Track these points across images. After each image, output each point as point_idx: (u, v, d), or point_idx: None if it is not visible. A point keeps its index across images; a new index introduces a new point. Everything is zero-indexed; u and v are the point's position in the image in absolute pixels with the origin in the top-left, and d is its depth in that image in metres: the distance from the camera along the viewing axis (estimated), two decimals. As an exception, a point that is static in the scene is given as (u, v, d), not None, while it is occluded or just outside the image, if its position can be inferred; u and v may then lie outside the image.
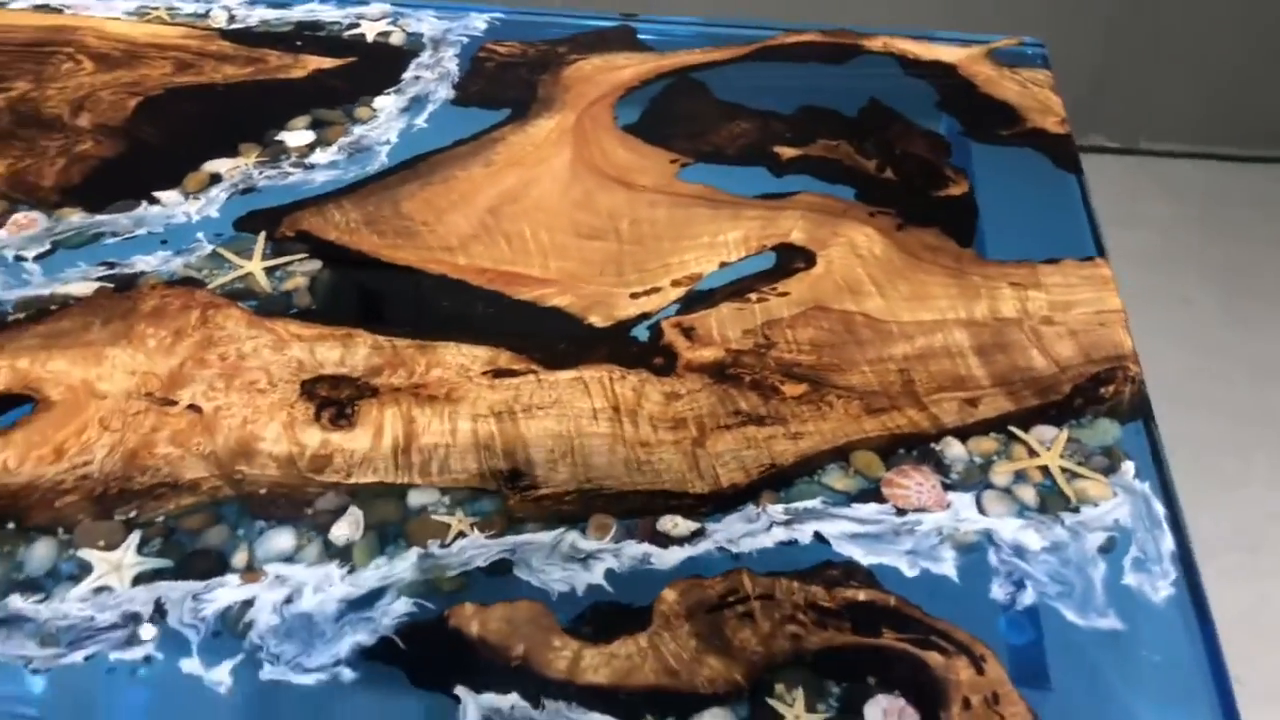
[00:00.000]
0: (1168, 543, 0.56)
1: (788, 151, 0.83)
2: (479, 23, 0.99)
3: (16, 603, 0.53)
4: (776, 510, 0.57)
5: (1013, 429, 0.62)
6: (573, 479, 0.58)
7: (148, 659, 0.51)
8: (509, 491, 0.58)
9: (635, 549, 0.55)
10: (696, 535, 0.56)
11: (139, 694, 0.50)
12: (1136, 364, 0.66)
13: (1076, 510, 0.58)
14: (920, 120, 0.87)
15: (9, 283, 0.71)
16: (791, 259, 0.73)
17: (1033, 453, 0.61)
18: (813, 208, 0.77)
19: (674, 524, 0.56)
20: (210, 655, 0.51)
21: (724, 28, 0.99)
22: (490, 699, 0.49)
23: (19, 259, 0.73)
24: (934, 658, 0.51)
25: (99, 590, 0.53)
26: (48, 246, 0.74)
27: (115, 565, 0.55)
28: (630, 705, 0.49)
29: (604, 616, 0.52)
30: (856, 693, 0.49)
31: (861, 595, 0.53)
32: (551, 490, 0.58)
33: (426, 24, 0.99)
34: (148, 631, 0.51)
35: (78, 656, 0.51)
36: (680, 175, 0.81)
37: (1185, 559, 0.55)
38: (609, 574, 0.54)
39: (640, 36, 0.98)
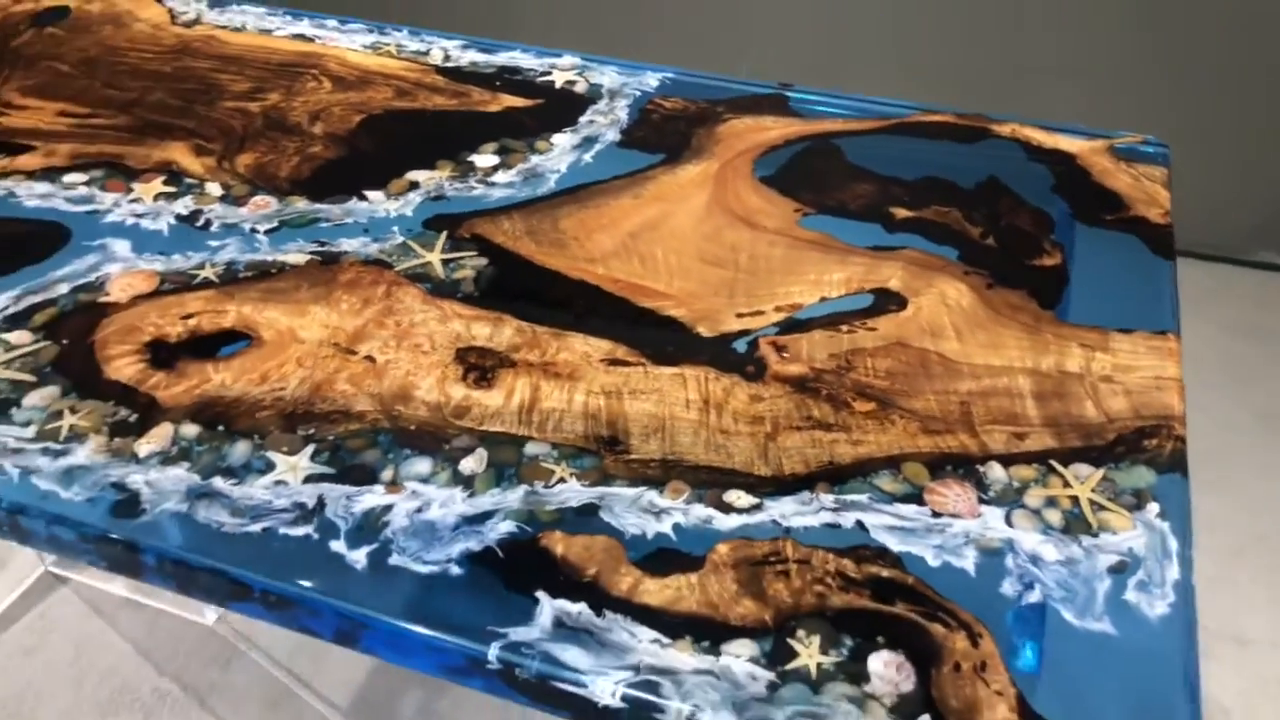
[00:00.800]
0: (1174, 572, 0.62)
1: (902, 212, 0.93)
2: (652, 80, 1.13)
3: (218, 483, 0.68)
4: (828, 499, 0.67)
5: (1053, 463, 0.69)
6: (659, 451, 0.70)
7: (307, 537, 0.65)
8: (606, 453, 0.70)
9: (701, 511, 0.66)
10: (754, 508, 0.66)
11: (296, 559, 0.64)
12: (1182, 426, 0.72)
13: (1096, 535, 0.65)
14: (1032, 199, 0.95)
15: (243, 248, 0.88)
16: (886, 302, 0.83)
17: (1067, 484, 0.68)
18: (914, 261, 0.87)
19: (737, 497, 0.67)
20: (353, 541, 0.64)
21: (869, 103, 1.10)
22: (563, 604, 0.60)
23: (253, 231, 0.90)
24: (936, 628, 0.59)
25: (278, 483, 0.68)
26: (276, 224, 0.91)
27: (292, 466, 0.69)
28: (673, 626, 0.59)
29: (665, 557, 0.63)
30: (865, 646, 0.58)
31: (885, 573, 0.62)
32: (640, 457, 0.69)
33: (608, 77, 1.14)
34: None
35: (256, 527, 0.65)
36: (802, 223, 0.92)
37: (1186, 587, 0.62)
38: (675, 526, 0.65)
39: (791, 104, 1.10)
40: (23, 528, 0.68)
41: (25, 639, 1.40)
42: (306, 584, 0.62)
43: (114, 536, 0.65)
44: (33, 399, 0.74)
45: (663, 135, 1.04)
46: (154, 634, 1.39)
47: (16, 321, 0.80)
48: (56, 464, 0.69)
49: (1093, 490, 0.68)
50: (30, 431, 0.71)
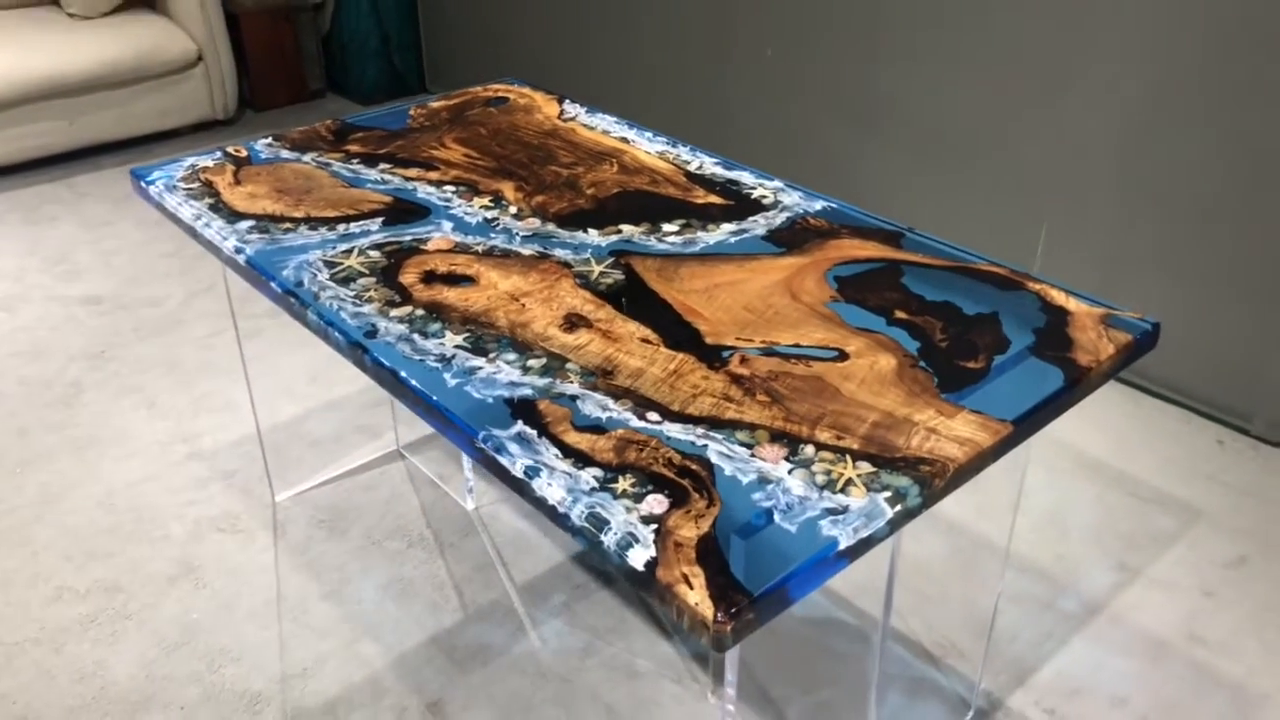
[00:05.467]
0: (864, 529, 1.00)
1: (902, 315, 1.32)
2: (818, 205, 1.61)
3: (415, 336, 1.28)
4: (699, 431, 1.12)
5: (848, 456, 1.08)
6: (629, 384, 1.19)
7: (436, 369, 1.22)
8: (601, 377, 1.20)
9: (628, 416, 1.14)
10: (657, 423, 1.13)
11: (428, 377, 1.21)
12: (953, 467, 1.07)
13: (835, 493, 1.03)
14: (1009, 330, 1.29)
15: (505, 242, 1.50)
16: (838, 357, 1.24)
17: (845, 467, 1.07)
18: (877, 341, 1.27)
19: (653, 415, 1.14)
20: (454, 376, 1.21)
21: (959, 250, 1.48)
22: (526, 428, 1.12)
23: (515, 234, 1.52)
24: (695, 495, 1.03)
25: (440, 344, 1.27)
26: (531, 234, 1.53)
27: (451, 340, 1.28)
28: (569, 452, 1.08)
29: (591, 428, 1.12)
30: (654, 491, 1.03)
31: (693, 466, 1.07)
32: (617, 384, 1.19)
33: (791, 197, 1.63)
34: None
35: (418, 358, 1.24)
36: (828, 304, 1.35)
37: (862, 539, 0.98)
38: (609, 418, 1.14)
39: (903, 240, 1.51)
40: (331, 336, 1.33)
41: (369, 481, 2.14)
42: (425, 390, 1.20)
43: (358, 342, 1.28)
44: (361, 281, 1.40)
45: (792, 237, 1.51)
46: (435, 505, 2.06)
47: (378, 246, 1.49)
48: (354, 309, 1.34)
49: (857, 475, 1.06)
50: (353, 294, 1.37)
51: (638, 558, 0.96)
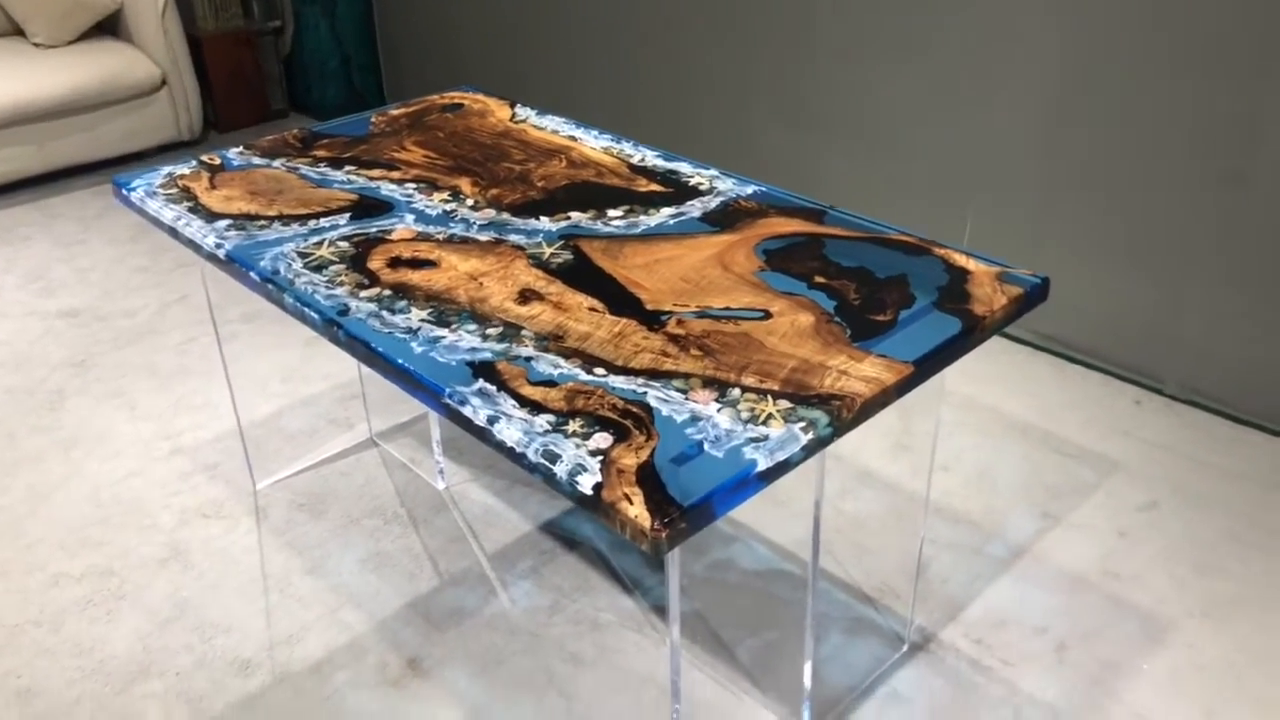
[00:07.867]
0: (781, 453, 1.15)
1: (820, 280, 1.48)
2: (749, 189, 1.77)
3: (384, 313, 1.43)
4: (639, 381, 1.27)
5: (769, 396, 1.24)
6: (578, 345, 1.34)
7: (405, 340, 1.37)
8: (552, 341, 1.35)
9: (576, 371, 1.29)
10: (603, 376, 1.28)
11: (398, 346, 1.35)
12: (858, 402, 1.23)
13: (757, 425, 1.19)
14: (915, 289, 1.46)
15: (463, 230, 1.65)
16: (763, 316, 1.40)
17: (766, 404, 1.22)
18: (797, 302, 1.43)
19: (599, 369, 1.29)
20: (421, 345, 1.35)
21: (875, 224, 1.64)
22: (487, 385, 1.27)
23: (472, 224, 1.67)
24: (636, 431, 1.18)
25: (407, 319, 1.41)
26: (487, 223, 1.67)
27: (418, 315, 1.42)
28: (525, 402, 1.23)
29: (544, 382, 1.27)
30: (600, 430, 1.18)
31: (634, 409, 1.22)
32: (567, 345, 1.34)
33: (725, 184, 1.79)
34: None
35: (387, 331, 1.39)
36: (756, 274, 1.51)
37: (778, 461, 1.14)
38: (560, 374, 1.29)
39: (825, 217, 1.67)
40: (307, 315, 1.47)
41: (345, 467, 2.27)
42: (395, 356, 1.34)
43: (332, 320, 1.42)
44: (332, 267, 1.54)
45: (725, 218, 1.67)
46: (408, 486, 2.20)
47: (347, 238, 1.63)
48: (328, 291, 1.48)
49: (777, 410, 1.21)
50: (325, 280, 1.51)
51: (586, 483, 1.11)
